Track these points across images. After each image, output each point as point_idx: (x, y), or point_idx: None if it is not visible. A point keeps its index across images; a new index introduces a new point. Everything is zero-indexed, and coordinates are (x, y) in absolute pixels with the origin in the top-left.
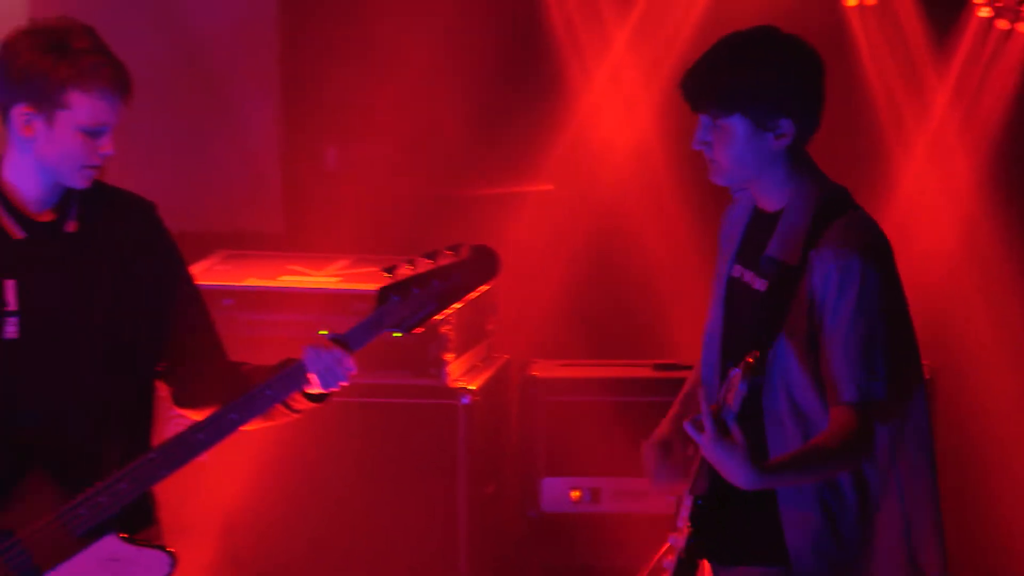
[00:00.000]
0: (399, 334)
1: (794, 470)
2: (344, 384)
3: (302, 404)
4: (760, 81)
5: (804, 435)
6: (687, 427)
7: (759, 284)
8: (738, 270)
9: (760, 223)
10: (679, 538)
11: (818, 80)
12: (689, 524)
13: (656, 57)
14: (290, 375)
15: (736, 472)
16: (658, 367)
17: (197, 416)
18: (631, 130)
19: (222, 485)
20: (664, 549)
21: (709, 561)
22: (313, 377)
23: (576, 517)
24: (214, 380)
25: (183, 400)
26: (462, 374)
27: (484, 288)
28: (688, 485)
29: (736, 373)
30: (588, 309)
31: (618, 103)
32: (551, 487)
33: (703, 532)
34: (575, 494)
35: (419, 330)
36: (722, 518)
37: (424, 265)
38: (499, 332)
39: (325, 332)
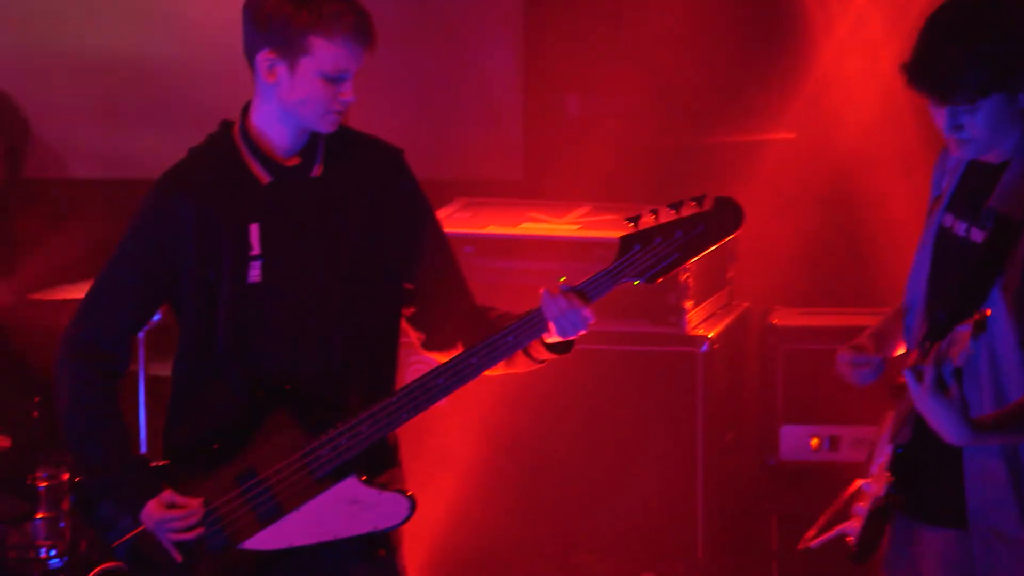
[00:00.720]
0: (640, 284)
1: (1007, 428)
2: (582, 332)
3: (544, 354)
4: (1012, 53)
5: (996, 388)
6: (907, 374)
7: (976, 235)
8: (949, 220)
9: (979, 173)
10: (875, 486)
11: None
12: (889, 473)
13: (902, 2)
14: (530, 322)
15: (949, 427)
16: None
17: (445, 360)
18: (874, 78)
19: (462, 431)
20: (849, 492)
21: (901, 514)
22: (552, 325)
23: (814, 465)
24: (462, 325)
25: (432, 344)
26: (701, 322)
27: (727, 240)
28: (891, 432)
29: (965, 330)
30: (828, 257)
31: (862, 50)
32: (790, 435)
33: (902, 482)
34: (814, 442)
35: (660, 280)
36: (918, 469)
37: (667, 215)
38: (739, 279)
39: (564, 280)
